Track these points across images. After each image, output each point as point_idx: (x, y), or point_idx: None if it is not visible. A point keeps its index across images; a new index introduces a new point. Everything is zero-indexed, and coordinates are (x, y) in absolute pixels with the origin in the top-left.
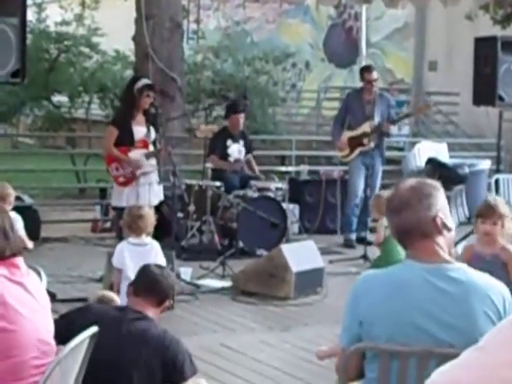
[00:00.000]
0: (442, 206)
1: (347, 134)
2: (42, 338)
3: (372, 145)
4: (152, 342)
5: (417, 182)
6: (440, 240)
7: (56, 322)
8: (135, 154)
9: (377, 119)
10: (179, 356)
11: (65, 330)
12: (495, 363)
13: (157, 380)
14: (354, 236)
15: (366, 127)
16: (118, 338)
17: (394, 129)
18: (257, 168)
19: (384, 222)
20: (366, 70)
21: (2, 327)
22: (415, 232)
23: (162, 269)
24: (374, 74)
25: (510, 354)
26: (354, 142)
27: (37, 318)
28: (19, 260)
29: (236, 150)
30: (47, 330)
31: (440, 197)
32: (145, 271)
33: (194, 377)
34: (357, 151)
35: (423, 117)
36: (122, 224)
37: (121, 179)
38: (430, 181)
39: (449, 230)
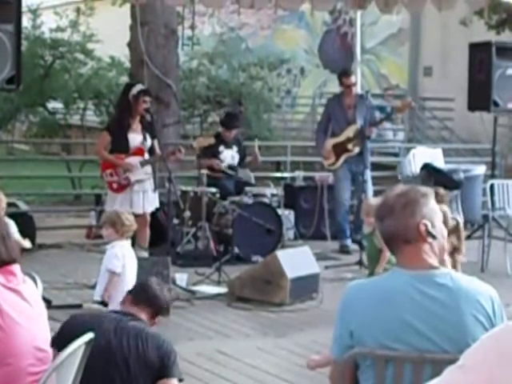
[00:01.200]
0: (429, 214)
1: (331, 142)
2: (38, 345)
3: (357, 150)
4: (148, 337)
5: (404, 189)
6: (425, 247)
7: (53, 340)
8: (131, 161)
9: (359, 122)
10: (172, 354)
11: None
12: (476, 383)
13: (151, 371)
14: (349, 242)
15: (349, 132)
16: (115, 332)
17: (389, 134)
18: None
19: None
20: (343, 75)
21: None
22: (398, 238)
23: (162, 286)
24: (353, 78)
25: (489, 371)
26: (339, 149)
27: (33, 326)
28: (16, 267)
29: (229, 156)
30: (43, 337)
31: (427, 204)
32: (146, 285)
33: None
34: (342, 158)
35: (417, 122)
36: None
37: (114, 185)
38: (419, 188)
39: (434, 237)
